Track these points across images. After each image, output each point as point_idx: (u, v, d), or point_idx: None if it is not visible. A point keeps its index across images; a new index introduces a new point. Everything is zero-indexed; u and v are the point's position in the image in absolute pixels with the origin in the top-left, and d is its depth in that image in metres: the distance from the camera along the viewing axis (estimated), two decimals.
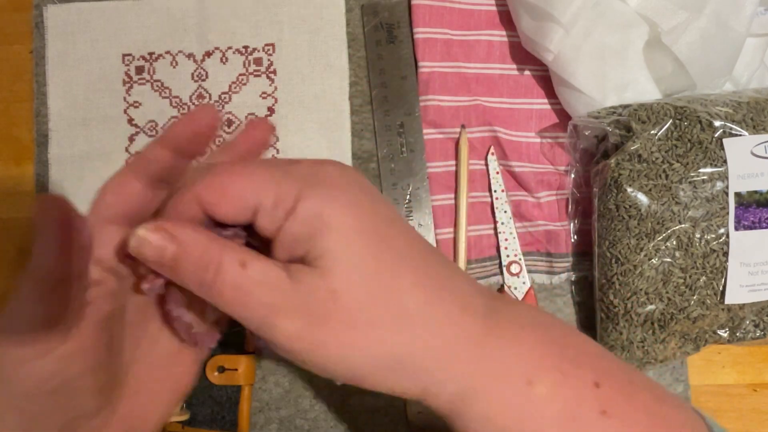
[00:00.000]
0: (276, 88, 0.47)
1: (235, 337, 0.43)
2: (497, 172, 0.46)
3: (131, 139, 0.47)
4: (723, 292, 0.39)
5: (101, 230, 0.22)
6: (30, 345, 0.20)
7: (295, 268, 0.21)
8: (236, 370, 0.42)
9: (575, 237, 0.46)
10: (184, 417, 0.42)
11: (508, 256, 0.45)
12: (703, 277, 0.39)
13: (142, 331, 0.25)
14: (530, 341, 0.23)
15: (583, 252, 0.46)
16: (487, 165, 0.46)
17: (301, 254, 0.21)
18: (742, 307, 0.40)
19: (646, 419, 0.23)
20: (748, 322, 0.41)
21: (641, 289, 0.39)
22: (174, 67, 0.47)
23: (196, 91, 0.47)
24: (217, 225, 0.22)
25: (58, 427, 0.21)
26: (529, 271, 0.46)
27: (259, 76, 0.47)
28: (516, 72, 0.48)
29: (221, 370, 0.42)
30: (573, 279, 0.46)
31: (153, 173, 0.22)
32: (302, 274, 0.21)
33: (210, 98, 0.47)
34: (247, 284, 0.20)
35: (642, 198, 0.39)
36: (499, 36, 0.48)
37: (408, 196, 0.46)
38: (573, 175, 0.46)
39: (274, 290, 0.20)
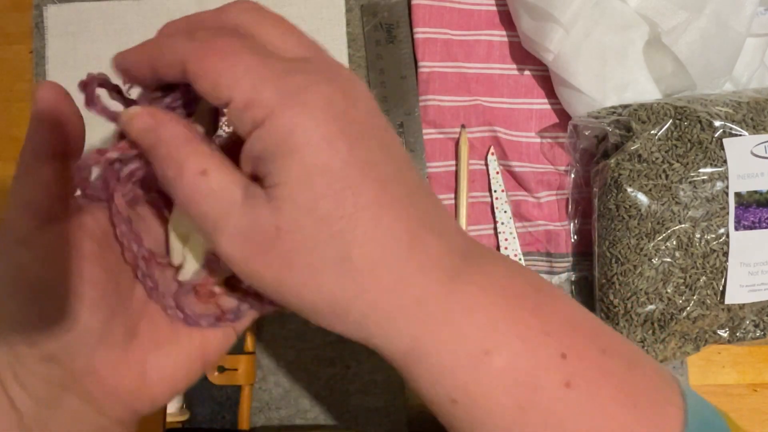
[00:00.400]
0: None
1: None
2: (497, 172, 0.46)
3: None
4: (723, 292, 0.39)
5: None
6: (28, 219, 0.21)
7: (252, 191, 0.20)
8: (236, 370, 0.42)
9: (575, 237, 0.46)
10: (184, 417, 0.42)
11: (508, 255, 0.45)
12: (703, 277, 0.39)
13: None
14: (495, 308, 0.21)
15: (583, 252, 0.46)
16: (487, 165, 0.46)
17: (262, 173, 0.20)
18: (742, 307, 0.40)
19: (613, 389, 0.22)
20: (748, 322, 0.41)
21: (641, 289, 0.39)
22: None
23: None
24: (165, 88, 0.23)
25: (54, 328, 0.21)
26: None
27: None
28: (516, 72, 0.48)
29: (221, 369, 0.43)
30: (573, 279, 0.46)
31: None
32: (255, 200, 0.20)
33: None
34: (199, 192, 0.20)
35: (642, 198, 0.39)
36: (499, 36, 0.48)
37: None
38: (573, 175, 0.46)
39: (223, 207, 0.20)
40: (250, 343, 0.43)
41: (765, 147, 0.39)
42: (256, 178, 0.21)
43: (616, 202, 0.40)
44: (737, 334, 0.41)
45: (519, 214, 0.46)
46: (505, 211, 0.46)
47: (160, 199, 0.25)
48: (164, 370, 0.23)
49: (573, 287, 0.46)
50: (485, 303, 0.22)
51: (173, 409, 0.41)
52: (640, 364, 0.23)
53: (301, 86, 0.20)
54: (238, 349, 0.43)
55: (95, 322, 0.21)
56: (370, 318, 0.21)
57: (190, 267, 0.24)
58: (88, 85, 0.23)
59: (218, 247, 0.21)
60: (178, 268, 0.25)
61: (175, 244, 0.25)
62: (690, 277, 0.39)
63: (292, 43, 0.22)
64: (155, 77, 0.22)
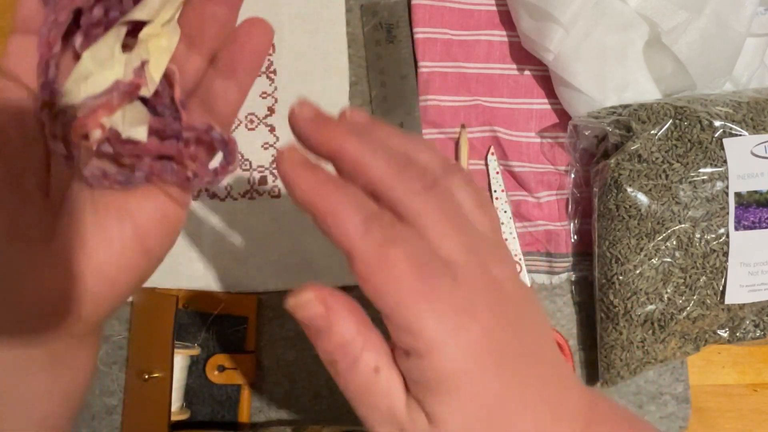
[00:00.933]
0: (276, 88, 0.47)
1: (234, 336, 0.43)
2: (497, 172, 0.46)
3: None
4: (723, 292, 0.39)
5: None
6: None
7: (412, 408, 0.21)
8: (236, 369, 0.42)
9: (575, 237, 0.46)
10: (185, 416, 0.42)
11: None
12: (703, 277, 0.39)
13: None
14: None
15: (583, 252, 0.46)
16: (487, 165, 0.46)
17: (420, 395, 0.21)
18: (742, 307, 0.40)
19: None
20: (748, 322, 0.41)
21: (641, 289, 0.39)
22: None
23: None
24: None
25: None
26: (529, 271, 0.46)
27: (259, 75, 0.47)
28: (516, 72, 0.48)
29: (221, 369, 0.43)
30: (573, 279, 0.46)
31: None
32: (415, 415, 0.21)
33: None
34: (371, 389, 0.21)
35: (642, 198, 0.39)
36: (499, 36, 0.48)
37: None
38: (573, 175, 0.46)
39: (388, 409, 0.21)
40: (250, 342, 0.44)
41: (765, 147, 0.39)
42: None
43: (616, 202, 0.40)
44: (737, 334, 0.41)
45: (519, 214, 0.46)
46: (505, 211, 0.46)
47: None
48: (98, 266, 0.22)
49: (573, 287, 0.46)
50: None
51: (174, 408, 0.41)
52: None
53: (463, 323, 0.20)
54: (238, 348, 0.43)
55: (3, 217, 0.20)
56: None
57: (95, 82, 0.21)
58: None
59: None
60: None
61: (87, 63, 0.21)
62: (690, 277, 0.39)
63: (454, 242, 0.22)
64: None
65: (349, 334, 0.21)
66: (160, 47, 0.22)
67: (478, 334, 0.21)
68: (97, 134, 0.21)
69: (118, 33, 0.21)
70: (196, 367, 0.43)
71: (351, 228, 0.20)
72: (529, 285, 0.22)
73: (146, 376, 0.41)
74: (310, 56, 0.47)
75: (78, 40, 0.21)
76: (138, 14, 0.21)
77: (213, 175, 0.23)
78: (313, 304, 0.21)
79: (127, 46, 0.22)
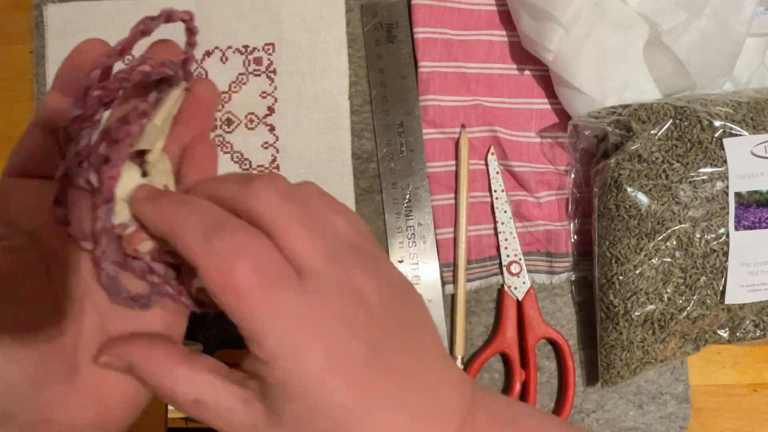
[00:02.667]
0: (276, 88, 0.47)
1: (235, 332, 0.43)
2: (497, 172, 0.46)
3: None
4: (723, 292, 0.39)
5: (12, 184, 0.23)
6: None
7: (255, 411, 0.22)
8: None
9: (575, 237, 0.46)
10: (185, 414, 0.41)
11: (508, 256, 0.45)
12: (703, 277, 0.39)
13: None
14: None
15: (583, 252, 0.46)
16: (487, 165, 0.46)
17: (264, 391, 0.22)
18: (742, 307, 0.40)
19: None
20: (748, 322, 0.41)
21: (641, 289, 0.39)
22: None
23: None
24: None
25: None
26: (529, 271, 0.46)
27: (259, 75, 0.47)
28: (516, 72, 0.48)
29: None
30: (573, 279, 0.46)
31: (52, 119, 0.23)
32: (258, 417, 0.22)
33: None
34: (208, 419, 0.22)
35: (642, 198, 0.39)
36: (499, 36, 0.48)
37: (408, 196, 0.46)
38: (573, 175, 0.46)
39: (230, 426, 0.22)
40: None
41: (765, 147, 0.39)
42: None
43: (616, 202, 0.40)
44: (737, 334, 0.41)
45: (519, 214, 0.46)
46: (505, 211, 0.46)
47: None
48: (119, 391, 0.23)
49: (573, 287, 0.46)
50: None
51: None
52: None
53: (307, 335, 0.20)
54: (239, 345, 0.43)
55: (29, 365, 0.20)
56: None
57: (123, 215, 0.23)
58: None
59: None
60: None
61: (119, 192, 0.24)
62: (690, 277, 0.39)
63: (308, 247, 0.21)
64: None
65: (155, 380, 0.22)
66: (166, 171, 0.25)
67: (324, 346, 0.20)
68: (147, 246, 0.23)
69: (130, 166, 0.24)
70: None
71: (194, 243, 0.20)
72: (411, 284, 0.22)
73: None
74: (310, 56, 0.47)
75: (94, 177, 0.23)
76: (142, 145, 0.23)
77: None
78: (115, 366, 0.22)
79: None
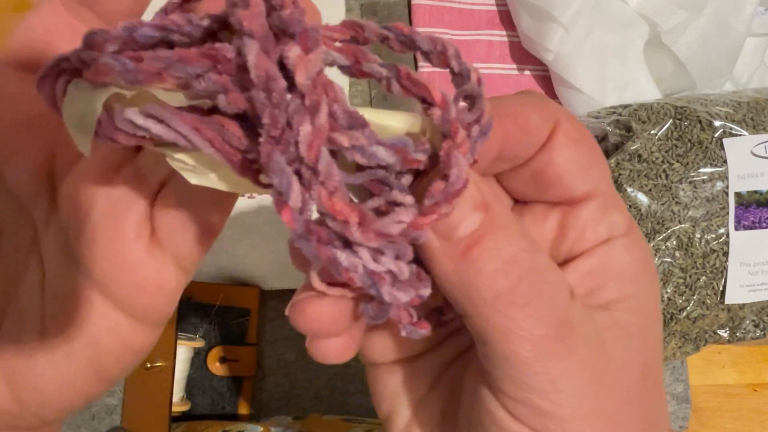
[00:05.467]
0: None
1: (236, 328, 0.43)
2: None
3: None
4: (723, 292, 0.39)
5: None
6: None
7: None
8: (237, 361, 0.42)
9: None
10: (185, 407, 0.42)
11: None
12: (703, 277, 0.39)
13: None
14: None
15: None
16: None
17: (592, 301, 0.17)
18: (742, 307, 0.40)
19: None
20: (748, 322, 0.41)
21: None
22: None
23: None
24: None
25: None
26: None
27: None
28: (516, 72, 0.48)
29: (222, 360, 0.42)
30: None
31: None
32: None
33: None
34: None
35: (642, 198, 0.39)
36: (499, 36, 0.48)
37: None
38: None
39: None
40: (251, 335, 0.43)
41: (765, 147, 0.39)
42: None
43: None
44: (737, 334, 0.41)
45: None
46: None
47: None
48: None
49: None
50: None
51: (175, 398, 0.41)
52: None
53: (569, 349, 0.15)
54: (239, 341, 0.43)
55: None
56: None
57: None
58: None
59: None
60: None
61: None
62: (690, 277, 0.39)
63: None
64: None
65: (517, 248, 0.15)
66: None
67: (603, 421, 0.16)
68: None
69: None
70: (197, 359, 0.43)
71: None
72: None
73: (149, 365, 0.41)
74: None
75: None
76: None
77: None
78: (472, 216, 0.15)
79: None
